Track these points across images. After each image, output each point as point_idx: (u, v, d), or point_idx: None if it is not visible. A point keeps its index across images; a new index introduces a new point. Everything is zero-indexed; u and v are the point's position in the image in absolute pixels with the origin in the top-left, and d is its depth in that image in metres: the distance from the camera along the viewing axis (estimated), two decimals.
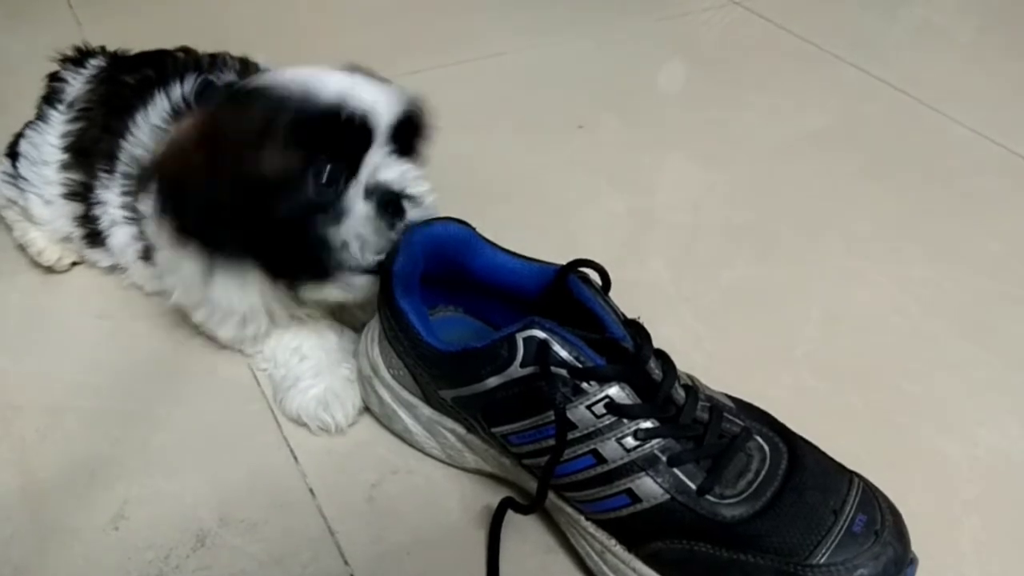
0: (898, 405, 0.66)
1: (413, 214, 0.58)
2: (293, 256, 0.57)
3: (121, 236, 0.68)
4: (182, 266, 0.62)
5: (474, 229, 0.60)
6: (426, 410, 0.59)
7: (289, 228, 0.56)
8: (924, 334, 0.73)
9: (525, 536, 0.56)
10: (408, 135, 0.59)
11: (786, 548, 0.47)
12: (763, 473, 0.49)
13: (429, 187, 0.59)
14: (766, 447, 0.51)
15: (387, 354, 0.60)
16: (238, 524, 0.56)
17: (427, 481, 0.59)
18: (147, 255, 0.67)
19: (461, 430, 0.58)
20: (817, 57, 1.14)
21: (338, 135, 0.55)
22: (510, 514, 0.54)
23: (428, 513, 0.57)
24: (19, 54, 1.02)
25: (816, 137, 0.99)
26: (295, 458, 0.61)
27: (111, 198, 0.67)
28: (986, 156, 0.96)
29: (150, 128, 0.65)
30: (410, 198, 0.58)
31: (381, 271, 0.57)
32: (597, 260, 0.55)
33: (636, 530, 0.50)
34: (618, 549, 0.51)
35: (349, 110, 0.55)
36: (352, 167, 0.56)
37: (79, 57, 0.76)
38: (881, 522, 0.48)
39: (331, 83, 0.56)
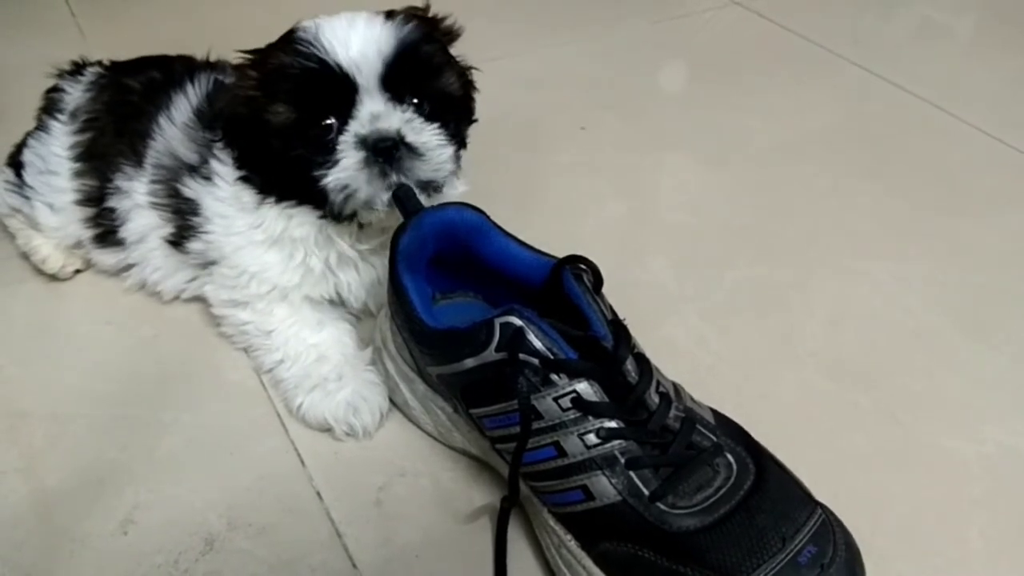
0: (904, 403, 0.66)
1: (420, 167, 0.58)
2: (313, 195, 0.60)
3: (142, 220, 0.69)
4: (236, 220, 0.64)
5: (487, 216, 0.60)
6: (421, 386, 0.60)
7: (297, 172, 0.60)
8: (929, 332, 0.73)
9: (533, 536, 0.56)
10: (412, 76, 0.59)
11: (725, 567, 0.46)
12: (723, 490, 0.49)
13: (437, 136, 0.59)
14: (735, 465, 0.50)
15: (393, 328, 0.62)
16: (246, 528, 0.56)
17: (434, 483, 0.60)
18: (178, 237, 0.67)
19: (449, 409, 0.59)
20: (817, 56, 1.15)
21: (322, 90, 0.57)
22: (516, 514, 0.54)
23: (436, 515, 0.58)
24: (21, 65, 1.03)
25: (817, 136, 0.99)
26: (302, 462, 0.61)
27: (136, 186, 0.68)
28: (988, 152, 0.96)
29: (181, 126, 0.68)
30: (409, 146, 0.58)
31: (390, 248, 0.58)
32: (599, 261, 0.56)
33: (589, 528, 0.50)
34: (572, 545, 0.51)
35: (331, 65, 0.57)
36: (344, 118, 0.58)
37: (75, 70, 0.77)
38: (831, 557, 0.46)
39: (328, 35, 0.57)
